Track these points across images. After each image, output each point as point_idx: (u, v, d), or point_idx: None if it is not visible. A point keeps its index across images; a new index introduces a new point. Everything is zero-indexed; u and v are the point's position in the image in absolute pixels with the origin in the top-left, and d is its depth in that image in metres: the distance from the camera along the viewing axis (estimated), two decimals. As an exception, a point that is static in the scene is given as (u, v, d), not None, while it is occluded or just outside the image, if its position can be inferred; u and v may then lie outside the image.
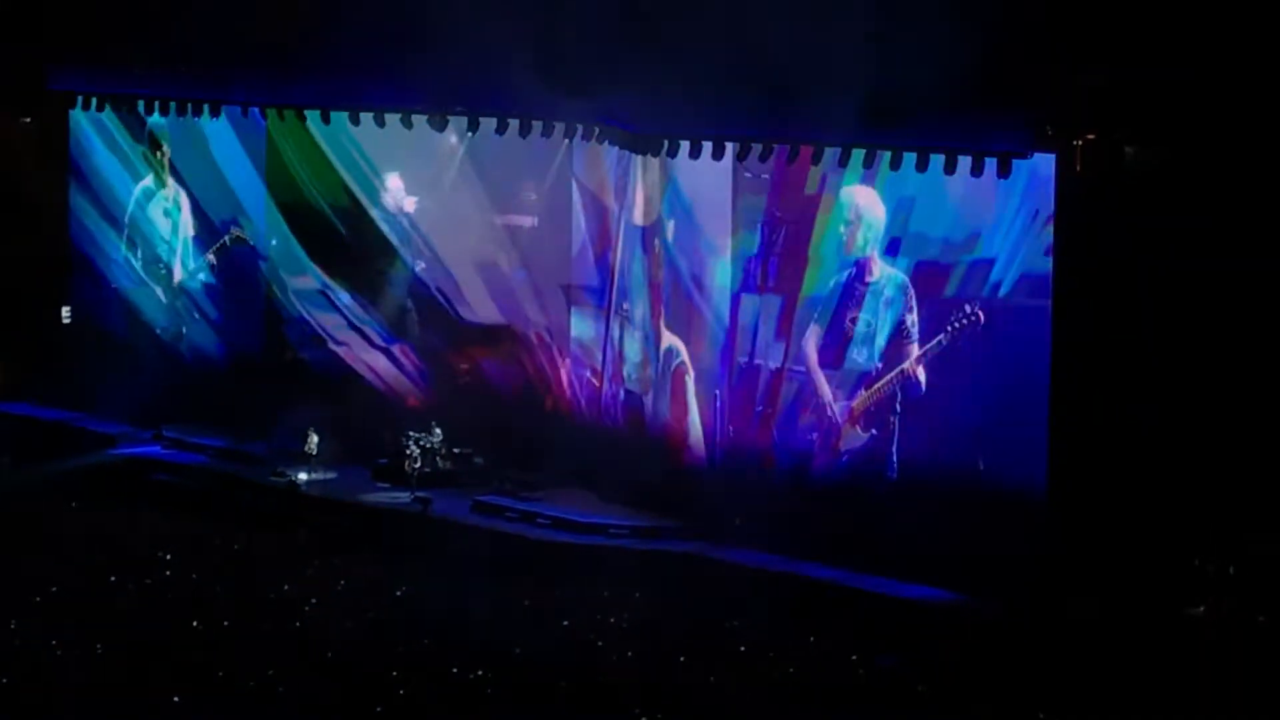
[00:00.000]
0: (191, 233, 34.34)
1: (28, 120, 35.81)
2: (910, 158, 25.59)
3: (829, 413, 27.15)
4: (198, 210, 34.16)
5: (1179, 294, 23.89)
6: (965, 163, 25.11)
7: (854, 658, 23.40)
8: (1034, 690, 22.24)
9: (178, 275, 34.58)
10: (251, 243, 33.62)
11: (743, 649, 23.67)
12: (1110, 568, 24.00)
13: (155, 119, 33.90)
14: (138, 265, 35.03)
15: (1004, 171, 24.72)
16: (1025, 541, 24.71)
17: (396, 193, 32.50)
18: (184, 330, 34.56)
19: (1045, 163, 24.60)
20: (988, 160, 24.84)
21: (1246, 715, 21.59)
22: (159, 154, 34.40)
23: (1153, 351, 24.03)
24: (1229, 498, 23.75)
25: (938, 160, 25.35)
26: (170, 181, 34.46)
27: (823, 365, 27.20)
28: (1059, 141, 24.52)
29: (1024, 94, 24.32)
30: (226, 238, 33.83)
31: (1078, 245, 24.45)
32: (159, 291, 34.80)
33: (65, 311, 35.77)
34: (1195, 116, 23.87)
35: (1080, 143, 24.55)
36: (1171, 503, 23.88)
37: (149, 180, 34.72)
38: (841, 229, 26.82)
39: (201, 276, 34.29)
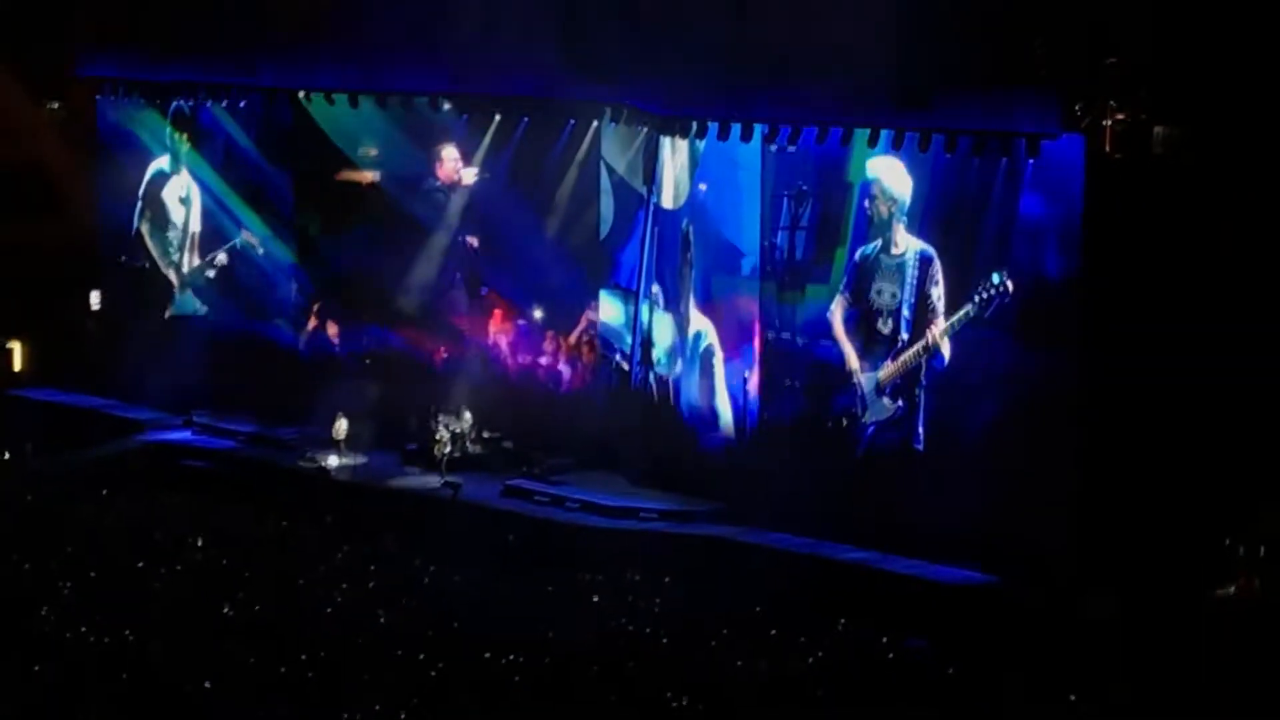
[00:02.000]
0: (199, 228, 34.38)
1: (56, 106, 35.87)
2: (939, 138, 25.55)
3: (856, 384, 27.15)
4: (208, 206, 34.26)
5: (1207, 273, 23.86)
6: (994, 144, 25.06)
7: (884, 640, 23.36)
8: (1064, 671, 22.19)
9: (188, 264, 34.59)
10: (261, 248, 33.63)
11: (773, 632, 23.64)
12: (1141, 547, 23.95)
13: (179, 104, 33.97)
14: (154, 246, 35.07)
15: (1033, 152, 24.66)
16: (1054, 519, 24.71)
17: (450, 164, 32.37)
18: (204, 312, 34.66)
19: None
20: (1017, 141, 24.78)
21: (1276, 695, 21.57)
22: (180, 138, 34.39)
23: (1183, 329, 24.00)
24: (1261, 478, 23.72)
25: (966, 142, 25.30)
26: (184, 169, 34.48)
27: (849, 337, 27.19)
28: (1088, 122, 24.47)
29: (1053, 75, 24.30)
30: (236, 240, 33.84)
31: (1107, 224, 24.39)
32: (172, 275, 34.85)
33: (95, 297, 35.84)
34: (1224, 96, 23.83)
35: (1109, 123, 24.50)
36: (1203, 482, 23.84)
37: (165, 161, 34.73)
38: (867, 202, 26.78)
39: (210, 274, 34.33)
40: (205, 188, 34.27)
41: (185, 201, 34.51)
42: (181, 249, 34.65)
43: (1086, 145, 24.45)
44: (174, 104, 34.00)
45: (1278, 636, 22.30)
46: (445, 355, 32.60)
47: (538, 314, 32.00)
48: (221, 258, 34.10)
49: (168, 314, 34.94)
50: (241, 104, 33.05)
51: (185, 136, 34.30)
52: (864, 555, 26.06)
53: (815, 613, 24.31)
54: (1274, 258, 23.60)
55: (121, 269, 35.30)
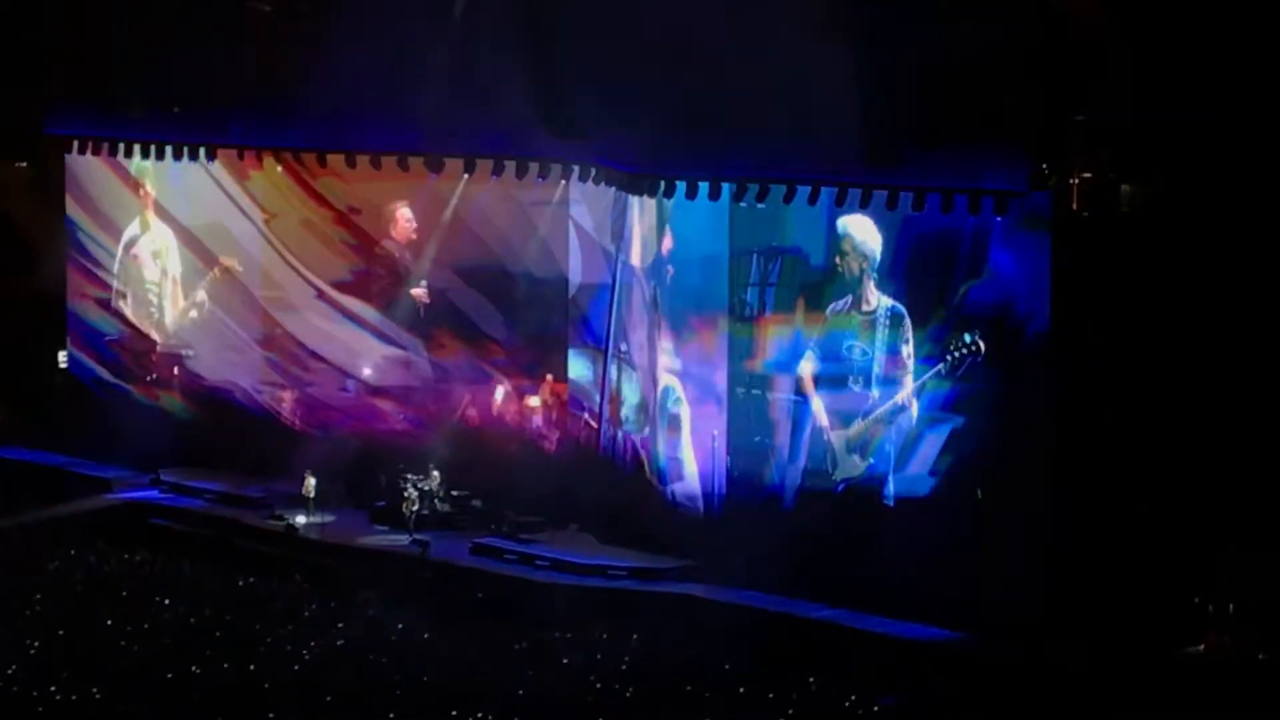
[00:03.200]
0: (179, 269, 34.27)
1: (24, 164, 35.82)
2: (907, 197, 25.62)
3: (826, 441, 27.14)
4: (184, 246, 34.13)
5: (1176, 329, 23.94)
6: (962, 202, 25.13)
7: (853, 698, 23.29)
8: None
9: (171, 316, 34.47)
10: (240, 274, 33.54)
11: (741, 690, 23.56)
12: (1113, 603, 23.96)
13: (137, 159, 33.91)
14: (128, 311, 34.93)
15: (1001, 210, 24.74)
16: (1026, 575, 24.69)
17: (404, 224, 32.48)
18: (176, 374, 34.50)
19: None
20: (985, 199, 24.85)
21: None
22: (141, 193, 34.34)
23: (1153, 386, 24.08)
24: (1230, 534, 23.76)
25: (934, 199, 25.37)
26: (153, 221, 34.38)
27: (819, 395, 27.20)
28: (1055, 180, 24.59)
29: (1021, 133, 24.42)
30: (216, 269, 33.75)
31: (1075, 281, 24.47)
32: (154, 334, 34.70)
33: (62, 356, 35.72)
34: (1192, 154, 23.95)
35: (1077, 181, 24.63)
36: (1175, 538, 23.88)
37: (135, 225, 34.64)
38: (837, 259, 26.82)
39: (194, 314, 34.20)
40: (176, 233, 34.16)
41: (159, 255, 34.38)
42: (161, 300, 34.48)
43: (1054, 203, 24.58)
44: (135, 161, 33.94)
45: (1248, 693, 22.34)
46: (411, 414, 32.58)
47: (503, 371, 32.01)
48: (201, 295, 33.96)
49: (151, 377, 34.79)
50: (211, 161, 32.96)
51: (149, 190, 34.20)
52: (833, 613, 26.02)
53: (785, 671, 24.24)
54: (1242, 314, 23.68)
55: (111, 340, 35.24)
